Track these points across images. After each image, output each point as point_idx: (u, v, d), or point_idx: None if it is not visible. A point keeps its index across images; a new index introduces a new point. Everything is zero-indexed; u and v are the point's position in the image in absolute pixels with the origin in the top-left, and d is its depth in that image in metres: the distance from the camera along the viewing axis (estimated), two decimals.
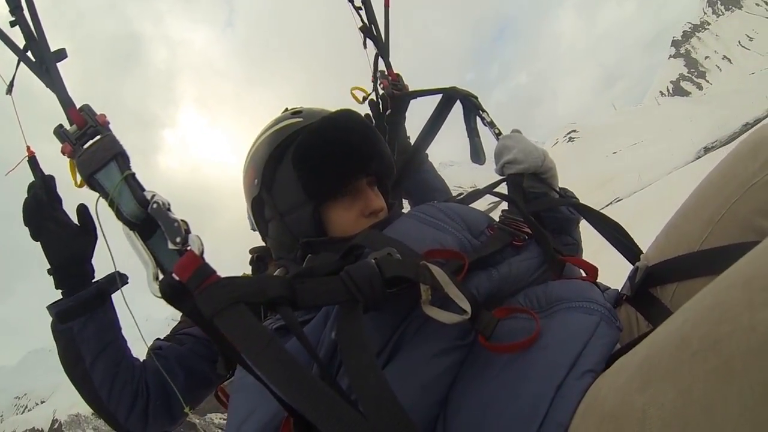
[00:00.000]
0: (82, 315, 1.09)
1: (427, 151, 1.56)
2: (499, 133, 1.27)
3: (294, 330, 0.64)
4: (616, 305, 0.90)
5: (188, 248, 0.71)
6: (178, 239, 0.71)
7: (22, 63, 0.92)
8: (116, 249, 0.96)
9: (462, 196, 1.15)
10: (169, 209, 0.75)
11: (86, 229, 1.12)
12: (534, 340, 0.67)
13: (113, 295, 1.15)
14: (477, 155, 1.37)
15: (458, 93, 1.35)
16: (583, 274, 0.92)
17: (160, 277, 0.72)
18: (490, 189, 1.15)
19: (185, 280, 0.65)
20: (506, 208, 1.05)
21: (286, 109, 1.13)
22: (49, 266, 1.09)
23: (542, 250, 0.92)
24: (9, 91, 0.98)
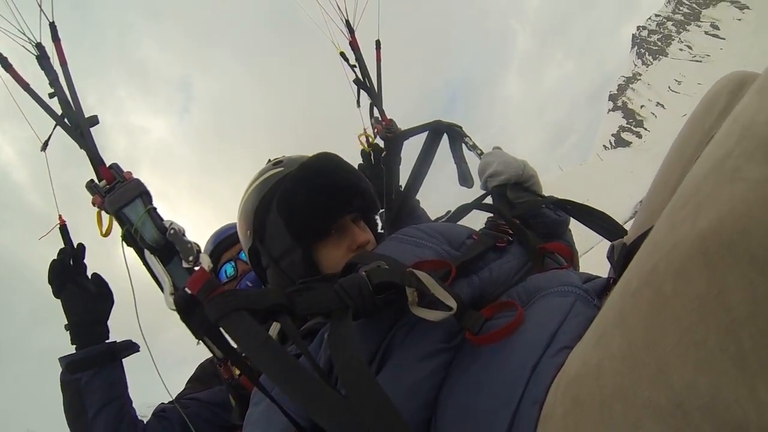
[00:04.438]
0: (91, 368, 1.17)
1: (418, 198, 1.65)
2: (482, 153, 1.37)
3: (292, 336, 0.71)
4: (607, 290, 0.92)
5: (199, 266, 0.82)
6: (191, 258, 0.84)
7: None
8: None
9: (450, 213, 1.22)
10: (184, 234, 0.87)
11: (103, 295, 1.25)
12: (517, 325, 0.70)
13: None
14: (465, 180, 1.45)
15: (443, 125, 1.46)
16: (564, 263, 0.96)
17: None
18: (476, 203, 1.22)
19: (196, 292, 0.74)
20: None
21: (269, 161, 1.21)
22: (66, 322, 1.20)
23: (525, 247, 0.96)
24: (43, 148, 1.15)
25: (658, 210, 0.85)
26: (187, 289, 0.76)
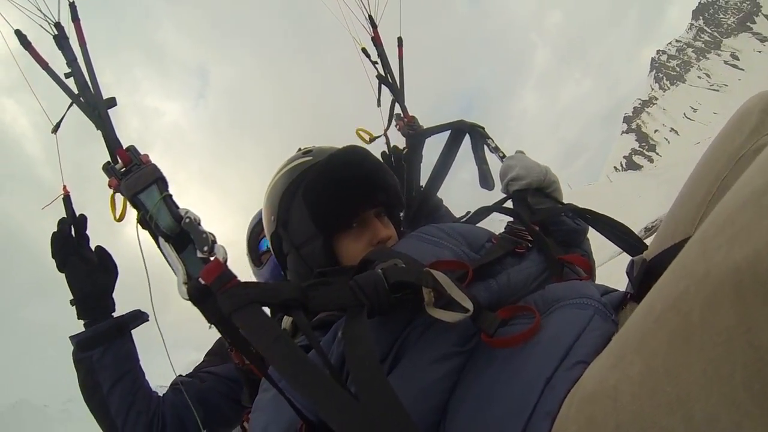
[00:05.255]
0: (101, 345, 1.17)
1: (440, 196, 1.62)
2: (504, 156, 1.34)
3: (305, 332, 0.69)
4: (623, 305, 0.88)
5: (214, 256, 0.80)
6: (205, 248, 0.82)
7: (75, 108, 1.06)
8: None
9: (470, 215, 1.20)
10: (199, 224, 0.85)
11: (106, 267, 1.24)
12: (534, 331, 0.69)
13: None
14: (486, 181, 1.43)
15: (466, 125, 1.43)
16: (583, 275, 0.94)
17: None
18: (497, 206, 1.20)
19: (209, 282, 0.73)
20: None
21: (299, 149, 1.22)
22: (71, 297, 1.20)
23: (543, 254, 0.94)
24: (54, 130, 1.14)
25: (681, 223, 0.85)
26: (200, 279, 0.74)
